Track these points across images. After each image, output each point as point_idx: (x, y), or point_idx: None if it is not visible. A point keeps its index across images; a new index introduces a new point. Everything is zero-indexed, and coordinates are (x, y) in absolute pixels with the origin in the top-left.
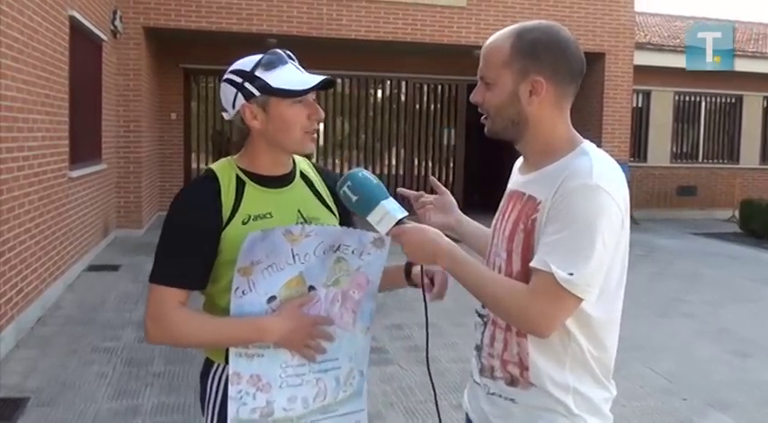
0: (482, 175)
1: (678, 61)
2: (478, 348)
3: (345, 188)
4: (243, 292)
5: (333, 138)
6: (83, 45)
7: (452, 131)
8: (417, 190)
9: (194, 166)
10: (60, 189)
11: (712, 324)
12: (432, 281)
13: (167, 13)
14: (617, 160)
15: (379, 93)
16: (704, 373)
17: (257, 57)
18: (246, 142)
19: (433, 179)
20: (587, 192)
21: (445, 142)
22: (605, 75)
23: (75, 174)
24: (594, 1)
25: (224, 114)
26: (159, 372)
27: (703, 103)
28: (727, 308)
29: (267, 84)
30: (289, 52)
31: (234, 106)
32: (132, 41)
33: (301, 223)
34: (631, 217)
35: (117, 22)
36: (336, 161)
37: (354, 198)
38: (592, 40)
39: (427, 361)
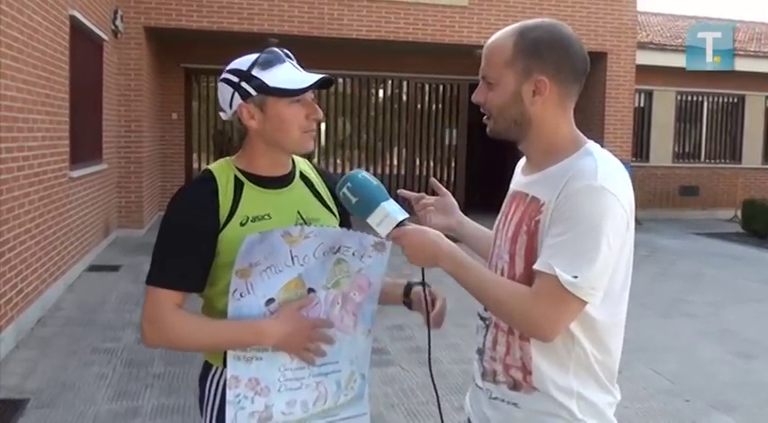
0: (484, 176)
1: (680, 61)
2: (480, 352)
3: (345, 190)
4: (241, 295)
5: (334, 137)
6: (83, 45)
7: (454, 131)
8: (418, 190)
9: (195, 166)
10: (61, 189)
11: (715, 325)
12: (433, 302)
13: (168, 12)
14: (619, 160)
15: (381, 92)
16: (707, 374)
17: (254, 56)
18: (245, 142)
19: (434, 181)
20: (592, 193)
21: (447, 142)
22: (607, 74)
23: (75, 174)
24: (596, 0)
25: (221, 115)
26: (159, 373)
27: (705, 103)
28: (730, 308)
29: (264, 83)
30: (286, 50)
31: (231, 106)
32: (133, 41)
33: (300, 224)
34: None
35: (118, 22)
36: (338, 161)
37: (354, 200)
38: (594, 40)
39: (429, 363)
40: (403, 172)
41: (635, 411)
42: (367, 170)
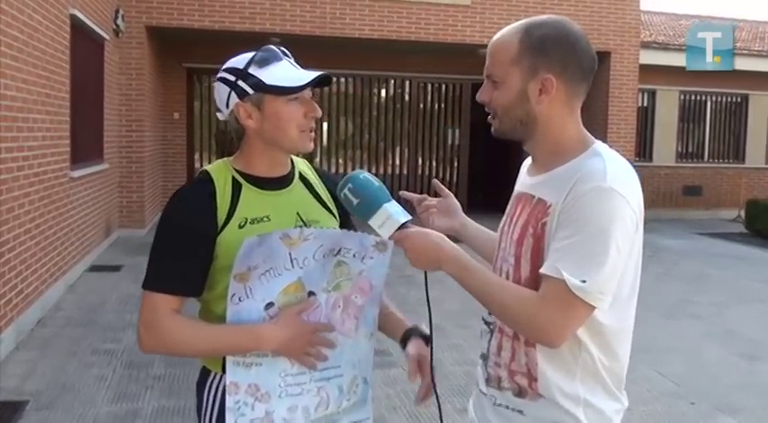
0: (487, 176)
1: (684, 60)
2: (484, 357)
3: (346, 191)
4: (239, 299)
5: (336, 137)
6: (84, 44)
7: (457, 131)
8: (421, 190)
9: (197, 165)
10: (61, 189)
11: (719, 325)
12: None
13: (170, 12)
14: None
15: (383, 92)
16: (712, 376)
17: (250, 54)
18: (242, 143)
19: (437, 182)
20: (601, 195)
21: (449, 142)
22: (610, 74)
23: (76, 174)
24: None
25: (218, 114)
26: (160, 375)
27: (709, 103)
28: (734, 309)
29: (261, 81)
30: (283, 48)
31: (228, 106)
32: (135, 40)
33: (300, 226)
34: None
35: (119, 21)
36: (340, 161)
37: (356, 201)
38: (597, 39)
39: (431, 366)
40: (405, 172)
41: (639, 415)
42: (369, 170)
